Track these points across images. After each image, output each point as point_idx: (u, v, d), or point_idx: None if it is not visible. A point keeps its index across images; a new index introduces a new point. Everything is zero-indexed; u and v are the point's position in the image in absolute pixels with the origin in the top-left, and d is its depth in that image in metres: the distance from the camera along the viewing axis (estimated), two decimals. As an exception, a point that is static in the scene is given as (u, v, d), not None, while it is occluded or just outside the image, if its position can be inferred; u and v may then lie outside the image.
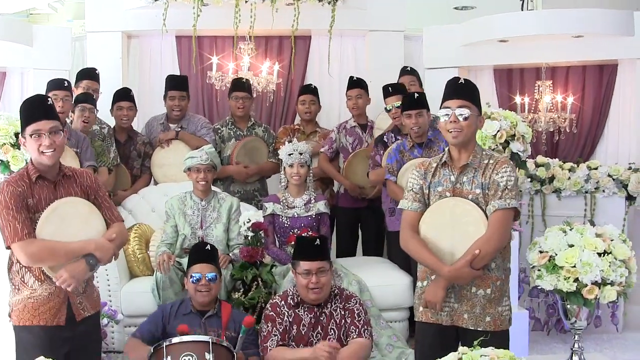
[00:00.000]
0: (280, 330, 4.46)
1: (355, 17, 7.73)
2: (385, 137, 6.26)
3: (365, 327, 4.49)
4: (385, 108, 6.44)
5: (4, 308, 3.92)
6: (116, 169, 6.51)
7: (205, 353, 4.14)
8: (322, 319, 4.51)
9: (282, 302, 4.57)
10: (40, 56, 7.68)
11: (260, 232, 5.64)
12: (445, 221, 3.85)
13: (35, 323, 3.73)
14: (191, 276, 4.81)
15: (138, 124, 7.31)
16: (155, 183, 6.88)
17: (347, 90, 6.97)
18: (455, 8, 10.76)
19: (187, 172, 5.85)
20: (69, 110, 5.99)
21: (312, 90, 7.09)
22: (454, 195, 3.87)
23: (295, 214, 5.89)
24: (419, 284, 4.03)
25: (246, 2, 6.51)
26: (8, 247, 3.69)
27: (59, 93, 5.86)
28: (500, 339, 3.82)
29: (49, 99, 3.91)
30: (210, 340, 4.22)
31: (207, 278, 4.79)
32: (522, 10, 8.55)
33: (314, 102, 7.05)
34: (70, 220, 3.78)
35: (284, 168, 5.93)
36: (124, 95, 6.73)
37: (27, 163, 3.89)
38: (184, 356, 4.12)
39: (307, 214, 5.89)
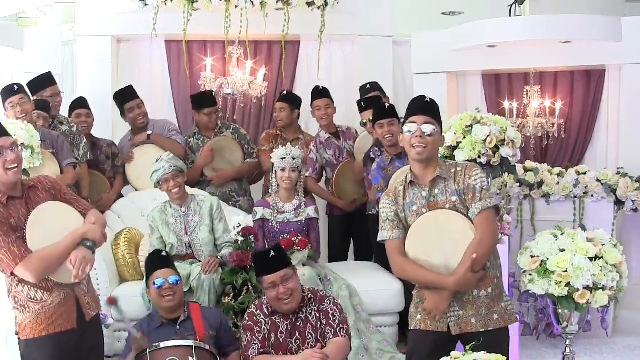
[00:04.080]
0: (260, 338, 4.44)
1: (344, 23, 7.74)
2: (371, 153, 6.32)
3: (341, 326, 4.46)
4: (361, 122, 6.49)
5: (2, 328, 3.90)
6: (92, 176, 6.54)
7: (189, 357, 4.17)
8: (298, 324, 4.48)
9: (258, 311, 4.54)
10: (31, 60, 7.66)
11: (251, 237, 5.65)
12: (432, 236, 3.82)
13: (51, 332, 3.74)
14: (154, 283, 4.77)
15: (119, 130, 7.43)
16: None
17: (314, 100, 7.01)
18: (444, 13, 10.78)
19: (158, 186, 5.83)
20: (31, 111, 5.92)
21: (283, 97, 7.12)
22: (430, 209, 3.86)
23: (285, 218, 5.89)
24: (415, 291, 4.02)
25: (236, 7, 6.51)
26: (12, 274, 3.67)
27: (14, 99, 5.82)
28: (504, 336, 3.86)
29: None
30: (193, 344, 4.25)
31: (169, 282, 4.76)
32: (510, 15, 8.58)
33: (284, 109, 7.05)
34: (53, 224, 3.78)
35: (275, 172, 5.93)
36: (81, 104, 6.84)
37: None
38: None
39: (297, 219, 5.90)
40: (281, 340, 4.46)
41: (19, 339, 3.84)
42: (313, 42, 7.55)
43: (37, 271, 3.62)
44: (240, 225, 5.66)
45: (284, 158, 5.85)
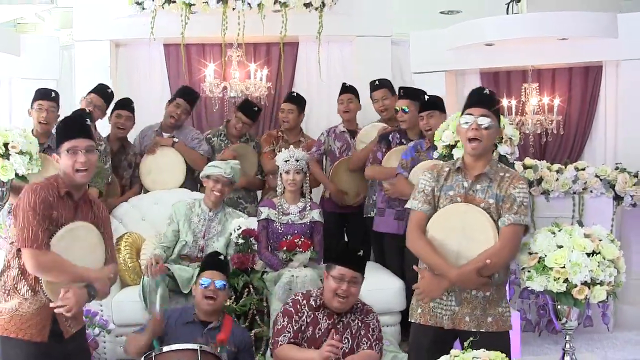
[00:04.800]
0: (295, 328, 4.48)
1: (342, 23, 7.74)
2: (390, 135, 6.32)
3: (377, 342, 4.52)
4: (395, 109, 6.46)
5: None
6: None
7: (194, 361, 4.17)
8: (339, 327, 4.50)
9: (304, 301, 4.57)
10: (29, 65, 7.68)
11: (251, 239, 5.65)
12: (455, 225, 3.85)
13: (20, 336, 3.69)
14: (200, 283, 4.83)
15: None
16: (145, 191, 6.90)
17: (340, 95, 7.04)
18: (442, 12, 10.81)
19: (205, 179, 5.87)
20: (54, 121, 5.95)
21: (292, 99, 7.12)
22: (465, 202, 3.88)
23: (289, 220, 5.90)
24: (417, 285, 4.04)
25: (234, 9, 6.52)
26: (19, 249, 3.66)
27: (44, 103, 5.88)
28: (502, 340, 3.86)
29: (88, 119, 3.94)
30: (198, 347, 4.23)
31: (215, 285, 4.79)
32: (507, 13, 8.61)
33: (292, 110, 7.05)
34: (80, 244, 3.78)
35: (280, 174, 5.94)
36: (125, 105, 6.77)
37: (55, 175, 3.85)
38: None
39: (301, 222, 5.91)
40: (317, 336, 4.49)
41: None
42: (311, 43, 7.56)
43: (41, 267, 3.61)
44: (240, 227, 5.66)
45: (288, 160, 5.87)
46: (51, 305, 3.66)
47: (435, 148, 5.82)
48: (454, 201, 3.89)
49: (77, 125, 3.83)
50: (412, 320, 4.05)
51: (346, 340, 4.48)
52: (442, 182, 3.94)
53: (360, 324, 4.54)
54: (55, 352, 3.77)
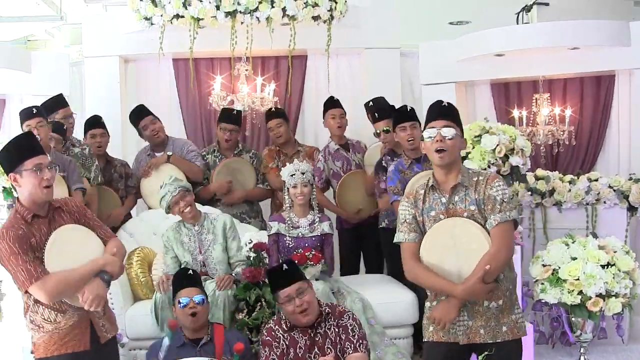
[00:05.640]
0: (278, 353, 4.47)
1: (351, 36, 7.73)
2: (383, 161, 6.28)
3: (361, 341, 4.48)
4: (375, 133, 6.47)
5: (16, 344, 3.93)
6: (104, 192, 6.58)
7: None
8: (317, 339, 4.50)
9: (277, 327, 4.58)
10: (39, 82, 7.71)
11: (262, 252, 5.63)
12: (447, 243, 3.81)
13: (63, 352, 3.76)
14: (179, 302, 4.82)
15: (129, 150, 7.43)
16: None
17: (329, 109, 7.02)
18: (451, 23, 10.80)
19: (170, 211, 5.80)
20: (47, 135, 5.89)
21: (274, 114, 7.07)
22: (449, 216, 3.86)
23: (299, 234, 5.86)
24: (427, 304, 4.00)
25: (242, 23, 6.52)
26: (26, 292, 3.71)
27: (31, 122, 5.80)
28: (516, 347, 3.83)
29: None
30: None
31: (195, 301, 4.80)
32: (517, 23, 8.59)
33: (280, 124, 7.03)
34: (71, 247, 3.80)
35: (287, 189, 5.91)
36: (95, 123, 6.82)
37: (14, 205, 3.87)
38: None
39: (311, 235, 5.86)
40: (300, 355, 4.47)
41: (34, 358, 3.87)
42: (320, 55, 7.55)
43: (52, 293, 3.65)
44: (251, 241, 5.65)
45: (294, 174, 5.82)
46: (88, 309, 3.73)
47: (418, 160, 5.82)
48: (437, 220, 3.87)
49: (36, 144, 3.85)
50: (425, 339, 4.01)
51: (329, 350, 4.46)
52: (421, 206, 3.93)
53: (337, 329, 4.52)
54: (94, 358, 3.84)
